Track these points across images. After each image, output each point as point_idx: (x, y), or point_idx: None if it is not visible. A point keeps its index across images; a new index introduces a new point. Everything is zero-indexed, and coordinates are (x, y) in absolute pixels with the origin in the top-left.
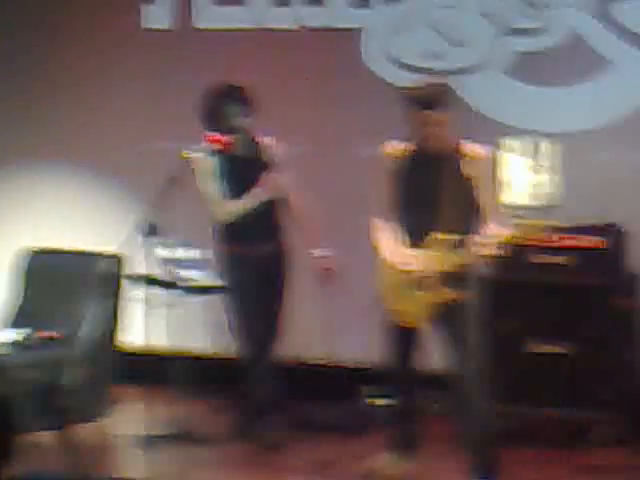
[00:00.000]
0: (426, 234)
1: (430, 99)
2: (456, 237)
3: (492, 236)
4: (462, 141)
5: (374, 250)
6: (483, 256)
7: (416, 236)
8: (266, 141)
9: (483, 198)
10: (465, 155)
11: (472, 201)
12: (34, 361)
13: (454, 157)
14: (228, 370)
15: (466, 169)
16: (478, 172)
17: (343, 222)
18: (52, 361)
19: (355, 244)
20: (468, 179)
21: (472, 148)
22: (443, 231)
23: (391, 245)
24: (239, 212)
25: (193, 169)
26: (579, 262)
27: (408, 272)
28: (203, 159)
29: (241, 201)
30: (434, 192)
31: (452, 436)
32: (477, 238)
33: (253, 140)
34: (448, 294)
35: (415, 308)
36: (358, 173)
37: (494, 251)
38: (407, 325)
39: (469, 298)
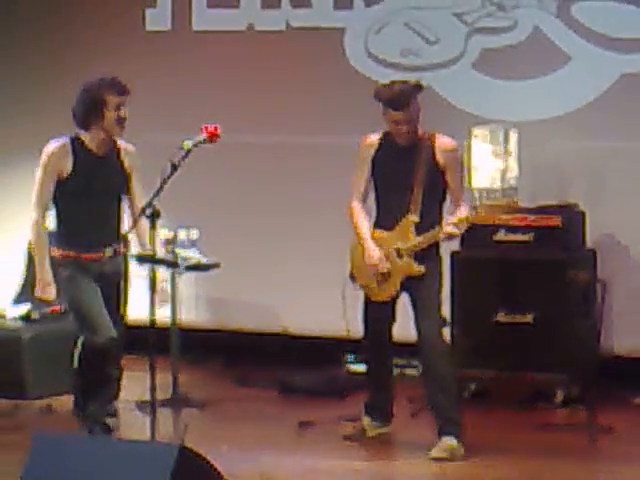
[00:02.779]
0: (401, 216)
1: (395, 101)
2: (428, 219)
3: (461, 218)
4: (434, 133)
5: (353, 231)
6: (453, 235)
7: (392, 218)
8: (126, 145)
9: (453, 184)
10: (437, 146)
11: (443, 187)
12: (45, 333)
13: (427, 147)
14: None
15: (438, 158)
16: (448, 161)
17: (329, 204)
18: (61, 333)
19: (334, 224)
20: (439, 167)
21: (443, 140)
22: (416, 213)
23: (365, 227)
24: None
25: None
26: (539, 239)
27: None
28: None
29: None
30: (408, 178)
31: (422, 398)
32: (448, 220)
33: (113, 140)
34: (418, 269)
35: (383, 284)
36: (341, 162)
37: (463, 231)
38: (377, 298)
39: (437, 272)
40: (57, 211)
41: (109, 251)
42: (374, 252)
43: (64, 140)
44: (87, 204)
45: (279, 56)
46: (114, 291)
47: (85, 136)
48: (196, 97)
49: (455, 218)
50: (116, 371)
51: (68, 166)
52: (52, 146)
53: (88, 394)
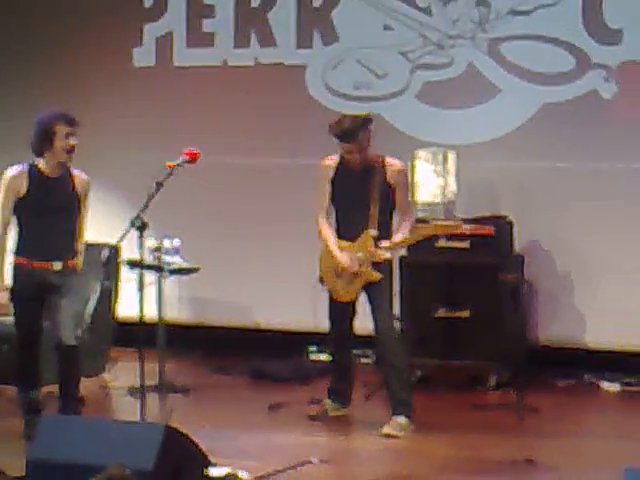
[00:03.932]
0: (361, 230)
1: (344, 135)
2: (383, 232)
3: (396, 242)
4: (384, 156)
5: (321, 240)
6: (387, 260)
7: (353, 231)
8: (79, 174)
9: (400, 201)
10: (388, 168)
11: (393, 203)
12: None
13: (379, 169)
14: (198, 335)
15: (389, 179)
16: (398, 181)
17: (296, 214)
18: None
19: (302, 232)
20: (390, 186)
21: (393, 162)
22: (374, 228)
23: (332, 239)
24: None
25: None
26: (475, 246)
27: (342, 262)
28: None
29: None
30: (365, 197)
31: (375, 383)
32: (396, 234)
33: (67, 169)
34: (376, 276)
35: (346, 287)
36: (304, 180)
37: (409, 242)
38: (341, 299)
39: (389, 276)
40: (17, 224)
41: (57, 264)
42: (345, 257)
43: (23, 166)
44: (41, 219)
45: (249, 88)
46: (68, 302)
47: (40, 162)
48: (177, 123)
49: (388, 243)
50: (73, 370)
51: (24, 187)
52: (12, 170)
53: (25, 383)
